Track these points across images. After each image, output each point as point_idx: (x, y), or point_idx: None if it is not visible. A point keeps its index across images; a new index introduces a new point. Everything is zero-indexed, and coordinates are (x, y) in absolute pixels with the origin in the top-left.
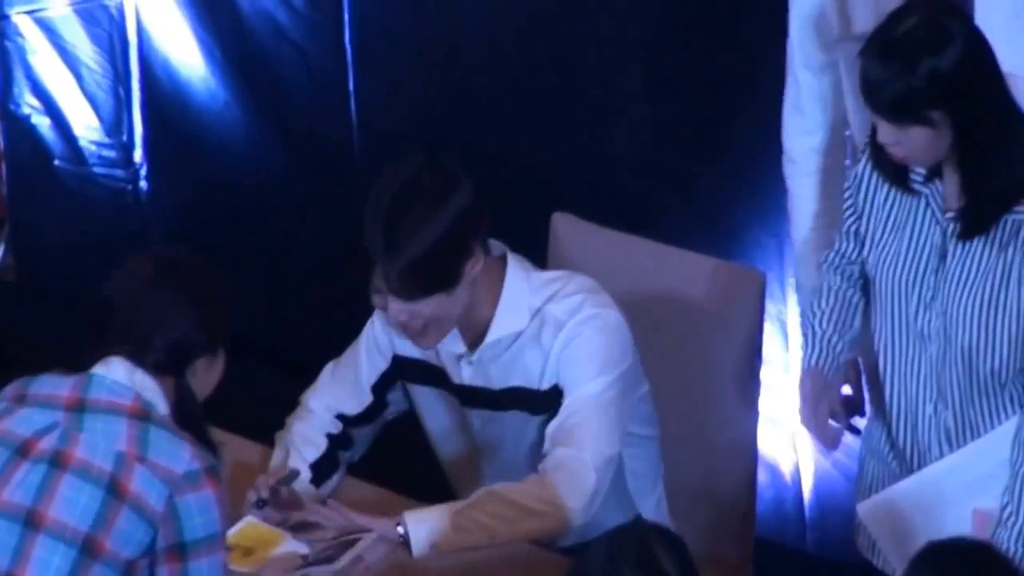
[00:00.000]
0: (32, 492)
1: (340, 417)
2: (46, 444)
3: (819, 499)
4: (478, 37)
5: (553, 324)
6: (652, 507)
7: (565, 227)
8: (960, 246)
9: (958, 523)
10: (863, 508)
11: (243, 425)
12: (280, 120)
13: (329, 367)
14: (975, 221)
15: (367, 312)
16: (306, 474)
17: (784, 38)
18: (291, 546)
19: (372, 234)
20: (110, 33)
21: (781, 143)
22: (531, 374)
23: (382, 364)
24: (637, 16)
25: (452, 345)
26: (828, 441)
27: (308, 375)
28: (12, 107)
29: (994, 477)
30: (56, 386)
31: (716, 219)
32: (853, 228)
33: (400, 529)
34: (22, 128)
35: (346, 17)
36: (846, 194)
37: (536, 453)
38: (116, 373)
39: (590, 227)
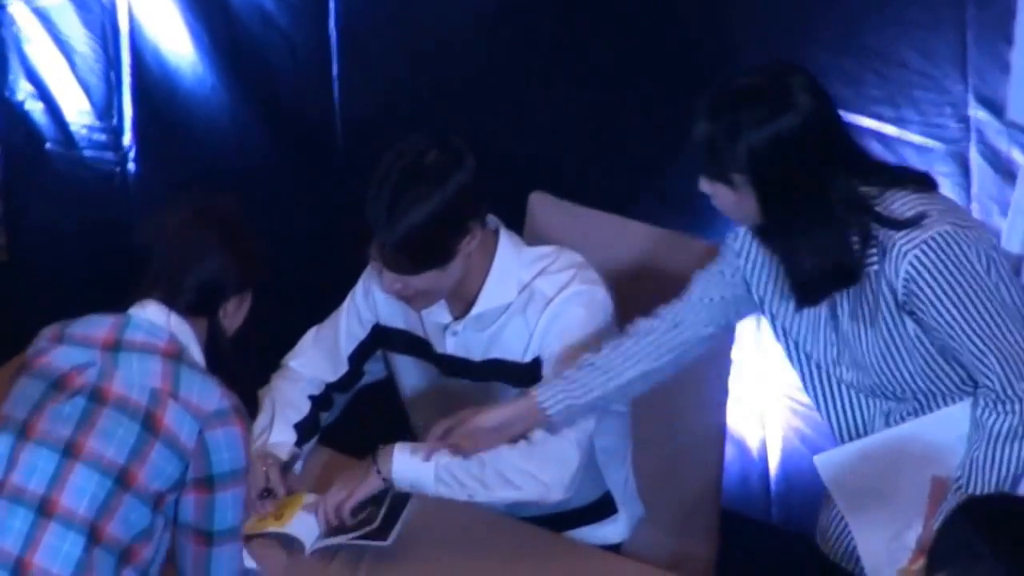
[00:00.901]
0: (72, 424)
1: (320, 382)
2: (83, 379)
3: (785, 474)
4: (460, 23)
5: (540, 299)
6: (621, 482)
7: (542, 206)
8: (846, 303)
9: (915, 486)
10: (821, 459)
11: None
12: (265, 105)
13: (311, 332)
14: (800, 299)
15: (349, 289)
16: (291, 436)
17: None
18: (309, 498)
19: (371, 207)
20: (102, 21)
21: None
22: (514, 347)
23: (361, 334)
24: (612, 2)
25: (438, 315)
26: None
27: (286, 343)
28: (7, 93)
29: (953, 449)
30: (94, 326)
31: (688, 200)
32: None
33: (380, 474)
34: (16, 113)
35: (331, 4)
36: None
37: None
38: (152, 315)
39: (566, 206)
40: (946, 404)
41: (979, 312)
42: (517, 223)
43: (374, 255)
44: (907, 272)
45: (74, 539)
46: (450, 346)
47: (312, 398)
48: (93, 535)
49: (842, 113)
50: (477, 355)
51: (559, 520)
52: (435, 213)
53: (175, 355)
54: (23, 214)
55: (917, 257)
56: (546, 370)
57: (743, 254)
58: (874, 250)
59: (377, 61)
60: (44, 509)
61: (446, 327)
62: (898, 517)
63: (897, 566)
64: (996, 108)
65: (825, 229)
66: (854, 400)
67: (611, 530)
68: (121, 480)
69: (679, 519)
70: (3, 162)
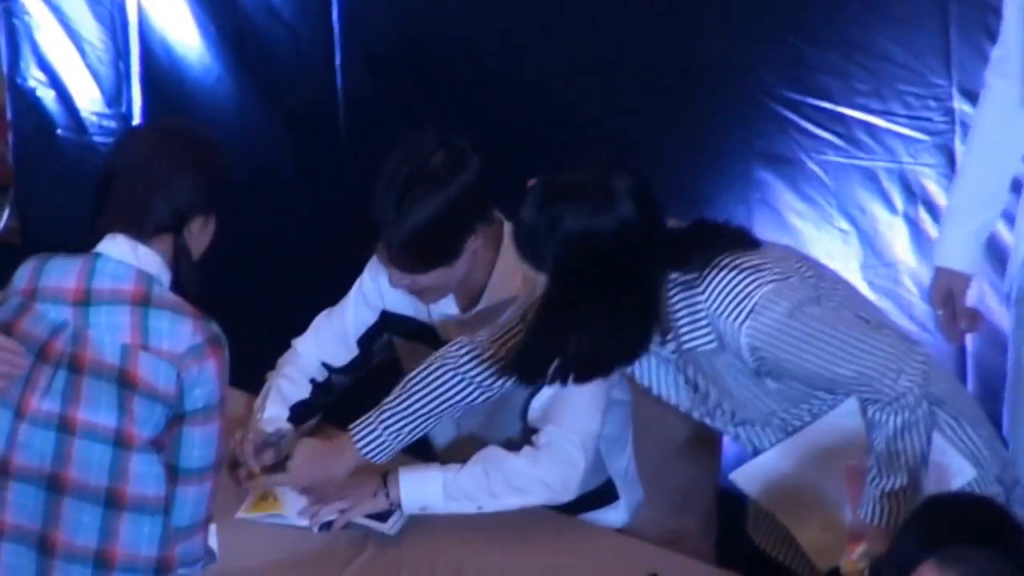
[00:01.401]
0: (59, 398)
1: (325, 365)
2: (60, 345)
3: None
4: (462, 15)
5: None
6: (622, 469)
7: None
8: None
9: (837, 474)
10: (737, 475)
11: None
12: (269, 94)
13: (322, 316)
14: (524, 376)
15: (353, 278)
16: (283, 412)
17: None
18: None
19: (378, 206)
20: (111, 12)
21: (750, 113)
22: None
23: (370, 318)
24: None
25: (445, 306)
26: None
27: (293, 335)
28: (19, 80)
29: (860, 439)
30: (63, 275)
31: (687, 186)
32: None
33: (388, 498)
34: (28, 100)
35: None
36: None
37: (517, 413)
38: (119, 251)
39: None
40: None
41: (829, 345)
42: (516, 211)
43: (381, 252)
44: (749, 345)
45: (91, 510)
46: (456, 337)
47: (314, 381)
48: (113, 502)
49: (830, 105)
50: None
51: (561, 508)
52: (439, 213)
53: (142, 298)
54: (34, 198)
55: (752, 328)
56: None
57: None
58: (706, 330)
59: (380, 52)
60: (55, 486)
61: (452, 318)
62: (828, 505)
63: (836, 550)
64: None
65: (598, 324)
66: (738, 431)
67: (612, 516)
68: (120, 442)
69: (678, 498)
70: (15, 148)
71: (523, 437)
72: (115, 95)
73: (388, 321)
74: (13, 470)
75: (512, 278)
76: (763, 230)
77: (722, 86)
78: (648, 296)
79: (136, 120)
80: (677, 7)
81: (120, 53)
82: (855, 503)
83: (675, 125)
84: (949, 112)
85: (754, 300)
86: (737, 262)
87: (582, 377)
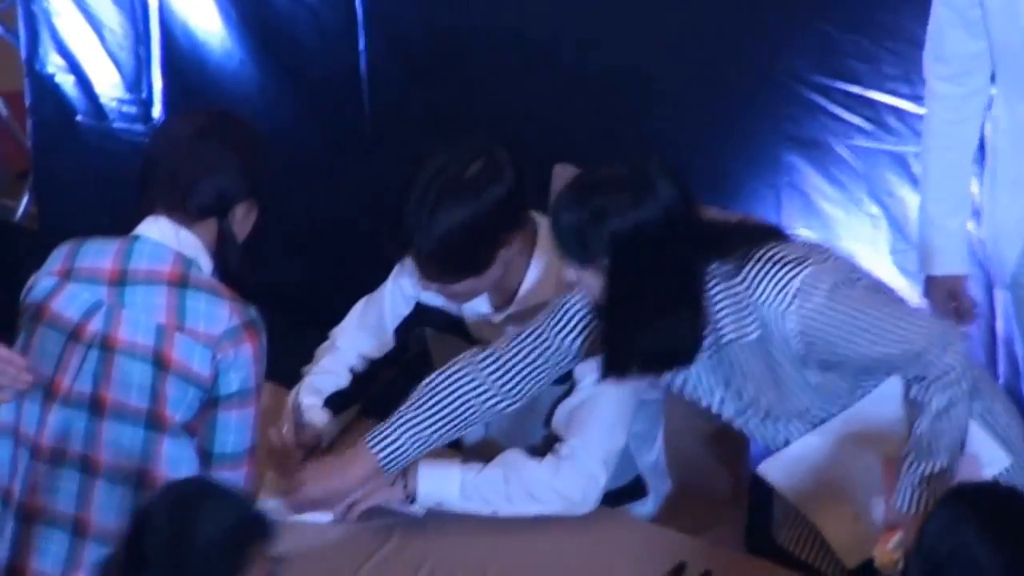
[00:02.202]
0: (90, 379)
1: (363, 357)
2: (94, 326)
3: None
4: None
5: None
6: (651, 463)
7: (566, 177)
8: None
9: (865, 468)
10: (765, 467)
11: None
12: (292, 78)
13: (359, 305)
14: (609, 372)
15: (378, 262)
16: (318, 400)
17: None
18: None
19: (410, 212)
20: None
21: (779, 97)
22: None
23: (405, 309)
24: None
25: (478, 305)
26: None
27: (318, 322)
28: (38, 66)
29: (892, 423)
30: (100, 256)
31: (716, 171)
32: None
33: (406, 489)
34: (47, 86)
35: None
36: None
37: (545, 414)
38: (159, 232)
39: None
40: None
41: (873, 324)
42: (541, 195)
43: (411, 259)
44: (796, 330)
45: (123, 492)
46: (488, 334)
47: (353, 371)
48: (145, 483)
49: (859, 90)
50: None
51: None
52: (469, 224)
53: (180, 280)
54: (53, 185)
55: (798, 312)
56: (583, 381)
57: None
58: (750, 319)
59: (403, 34)
60: (87, 468)
61: (485, 316)
62: (855, 500)
63: (864, 545)
64: None
65: (671, 314)
66: (766, 428)
67: (641, 510)
68: (152, 424)
69: (707, 484)
70: (34, 134)
71: (546, 443)
72: (135, 81)
73: (421, 312)
74: (44, 452)
75: (547, 281)
76: (792, 214)
77: (751, 71)
78: (697, 284)
79: (157, 106)
80: None
81: (140, 38)
82: (890, 494)
83: (704, 110)
84: None
85: (796, 284)
86: (774, 251)
87: (666, 366)
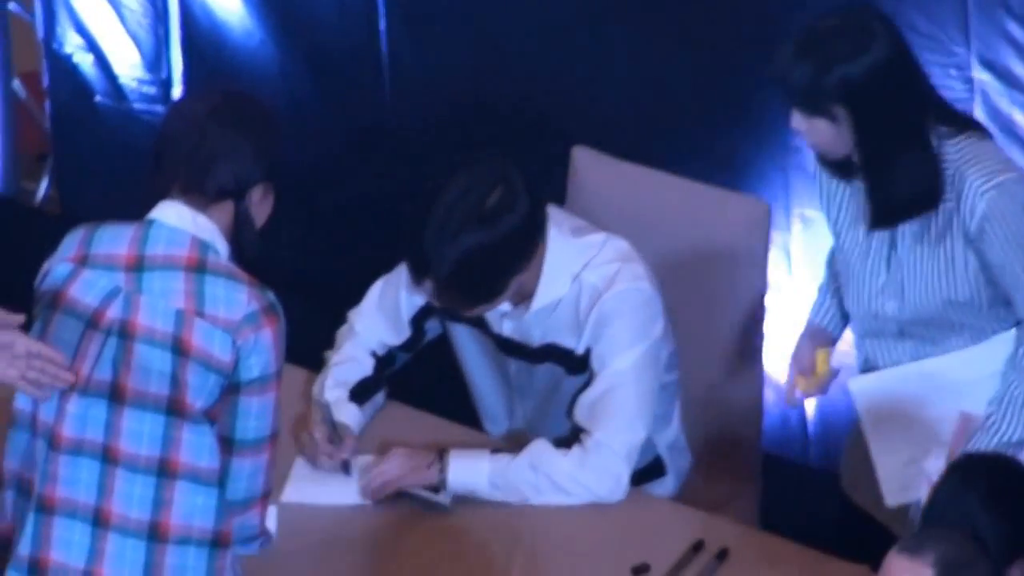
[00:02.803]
0: (109, 366)
1: (382, 342)
2: (112, 313)
3: (822, 416)
4: None
5: (589, 291)
6: (669, 442)
7: (584, 160)
8: (908, 235)
9: (941, 419)
10: (856, 383)
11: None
12: (312, 58)
13: (377, 286)
14: (879, 220)
15: (396, 242)
16: (344, 394)
17: None
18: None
19: (425, 242)
20: None
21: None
22: (568, 335)
23: (420, 300)
24: None
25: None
26: (793, 400)
27: (338, 304)
28: (56, 46)
29: (982, 384)
30: (115, 242)
31: (727, 153)
32: None
33: (440, 473)
34: (65, 66)
35: None
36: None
37: (566, 405)
38: (176, 216)
39: (607, 160)
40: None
41: None
42: (560, 178)
43: (426, 288)
44: (983, 211)
45: (144, 481)
46: (506, 329)
47: (375, 355)
48: (166, 471)
49: None
50: (534, 340)
51: None
52: (485, 255)
53: (197, 265)
54: (73, 167)
55: (994, 198)
56: (595, 368)
57: (821, 175)
58: (949, 185)
59: (424, 15)
60: (107, 457)
61: (503, 315)
62: (917, 443)
63: (908, 491)
64: (997, 71)
65: (920, 155)
66: (883, 337)
67: (660, 489)
68: (172, 410)
69: (723, 465)
70: (52, 115)
71: (573, 434)
72: (155, 60)
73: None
74: (63, 443)
75: (560, 278)
76: (800, 196)
77: (760, 53)
78: (928, 129)
79: (176, 86)
80: None
81: (159, 17)
82: (954, 452)
83: (715, 93)
84: (969, 81)
85: (1005, 176)
86: (986, 140)
87: (922, 207)
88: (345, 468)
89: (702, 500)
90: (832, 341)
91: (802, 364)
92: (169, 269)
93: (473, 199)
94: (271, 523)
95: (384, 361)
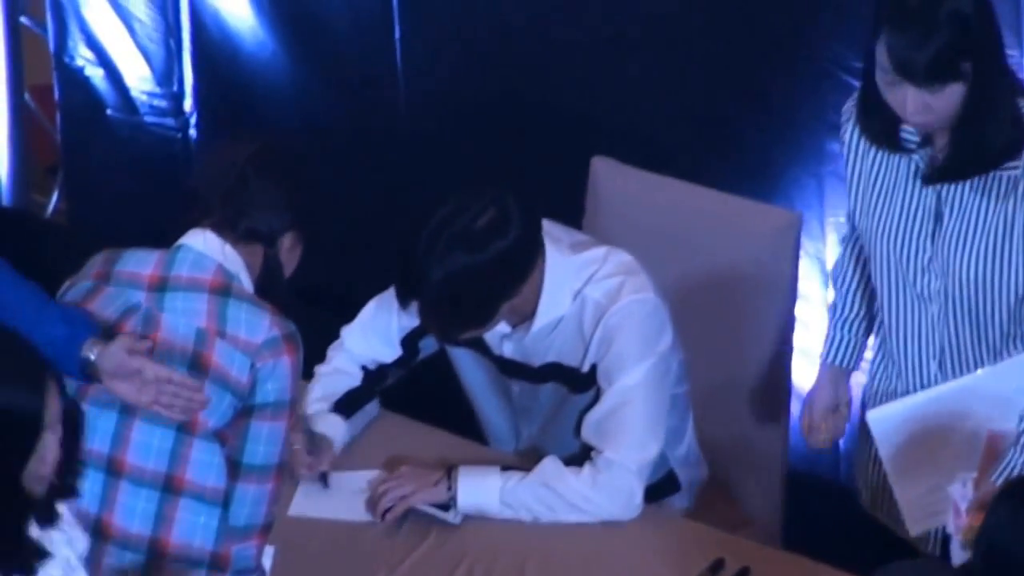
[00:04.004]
0: None
1: (372, 359)
2: (131, 327)
3: (853, 430)
4: None
5: (593, 307)
6: (682, 456)
7: (604, 170)
8: (957, 206)
9: (964, 442)
10: (873, 414)
11: None
12: (326, 69)
13: (371, 306)
14: (959, 171)
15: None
16: (327, 406)
17: None
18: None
19: (412, 262)
20: None
21: (822, 85)
22: (572, 354)
23: (414, 320)
24: None
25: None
26: (818, 442)
27: (349, 312)
28: (67, 59)
29: (1010, 401)
30: (141, 264)
31: (757, 160)
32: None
33: (449, 491)
34: (76, 79)
35: None
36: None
37: (572, 426)
38: (204, 244)
39: (629, 170)
40: (1014, 344)
41: None
42: (579, 188)
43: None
44: None
45: (147, 495)
46: (507, 351)
47: (365, 369)
48: (171, 487)
49: None
50: (535, 360)
51: None
52: (470, 278)
53: (222, 288)
54: (83, 180)
55: None
56: (601, 384)
57: (851, 147)
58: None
59: (440, 24)
60: (113, 469)
61: (503, 336)
62: (940, 469)
63: (932, 518)
64: None
65: (1016, 101)
66: (923, 320)
67: (675, 504)
68: (183, 427)
69: (744, 480)
70: (63, 128)
71: (583, 452)
72: (166, 73)
73: None
74: None
75: (561, 296)
76: (835, 203)
77: (793, 58)
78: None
79: (188, 99)
80: None
81: (170, 29)
82: (984, 471)
83: (747, 98)
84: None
85: None
86: None
87: (1006, 158)
88: (323, 480)
89: (723, 517)
90: (848, 374)
91: (818, 417)
92: (193, 290)
93: (463, 222)
94: (267, 561)
95: (374, 375)
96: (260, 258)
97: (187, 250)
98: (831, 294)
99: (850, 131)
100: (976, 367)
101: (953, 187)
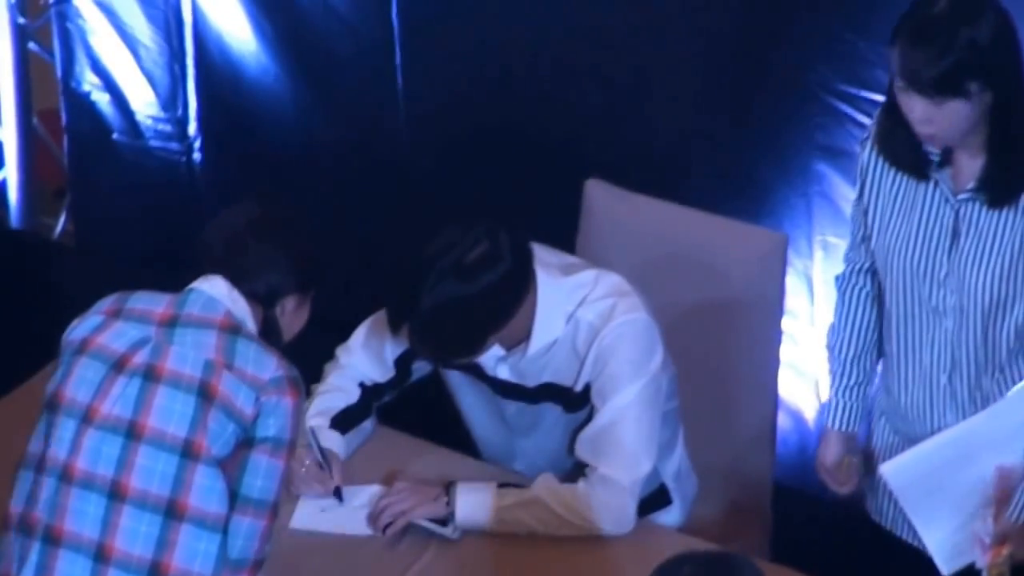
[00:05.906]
0: (131, 405)
1: (369, 379)
2: (139, 358)
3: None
4: (521, 11)
5: (587, 329)
6: (673, 471)
7: (598, 193)
8: (974, 225)
9: (981, 479)
10: (887, 468)
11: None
12: (329, 95)
13: (364, 326)
14: (1003, 194)
15: None
16: (325, 421)
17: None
18: (372, 488)
19: (402, 291)
20: (166, 13)
21: (809, 107)
22: (566, 374)
23: (406, 343)
24: None
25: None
26: (842, 487)
27: (348, 336)
28: (74, 84)
29: (1012, 438)
30: (152, 303)
31: (746, 181)
32: (862, 234)
33: (448, 507)
34: (83, 104)
35: None
36: (856, 194)
37: (565, 444)
38: (214, 289)
39: (622, 193)
40: (1018, 361)
41: None
42: (573, 211)
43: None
44: None
45: (150, 519)
46: (502, 372)
47: (362, 386)
48: (174, 512)
49: None
50: (530, 381)
51: None
52: (459, 310)
53: (231, 328)
54: (90, 203)
55: None
56: (595, 403)
57: (869, 167)
58: None
59: (441, 50)
60: (116, 493)
61: (499, 358)
62: (963, 509)
63: (962, 556)
64: None
65: None
66: (936, 334)
67: (667, 518)
68: (187, 453)
69: (733, 493)
70: (70, 152)
71: (577, 469)
72: (170, 98)
73: None
74: (75, 476)
75: (554, 320)
76: (823, 223)
77: (781, 82)
78: None
79: (192, 124)
80: (735, 5)
81: (175, 55)
82: (1001, 505)
83: (736, 120)
84: None
85: None
86: None
87: None
88: (337, 495)
89: (711, 531)
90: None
91: (831, 475)
92: (203, 327)
93: (455, 253)
94: None
95: (371, 392)
96: (262, 315)
97: (198, 293)
98: (818, 310)
99: (868, 150)
100: (983, 381)
101: (971, 205)
